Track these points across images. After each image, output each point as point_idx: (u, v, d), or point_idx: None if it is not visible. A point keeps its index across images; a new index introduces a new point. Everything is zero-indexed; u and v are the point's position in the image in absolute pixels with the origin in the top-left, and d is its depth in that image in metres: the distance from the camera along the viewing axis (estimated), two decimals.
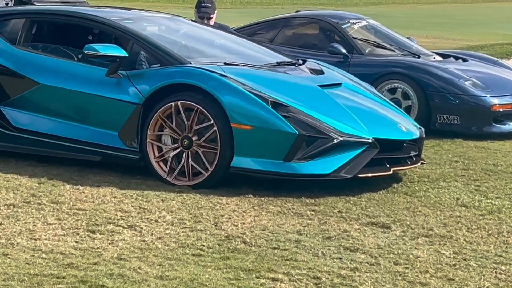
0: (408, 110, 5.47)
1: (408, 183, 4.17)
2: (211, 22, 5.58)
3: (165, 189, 3.59)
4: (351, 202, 3.52)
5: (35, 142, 4.10)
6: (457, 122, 5.38)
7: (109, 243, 2.62)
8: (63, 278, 2.07)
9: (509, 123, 5.62)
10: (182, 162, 3.64)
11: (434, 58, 6.27)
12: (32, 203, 3.20)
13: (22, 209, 3.09)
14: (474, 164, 4.97)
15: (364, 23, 6.58)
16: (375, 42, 6.42)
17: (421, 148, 4.26)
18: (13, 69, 4.22)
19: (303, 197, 3.52)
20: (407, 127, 4.09)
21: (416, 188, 4.00)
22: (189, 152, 3.62)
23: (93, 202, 3.29)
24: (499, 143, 5.69)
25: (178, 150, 3.66)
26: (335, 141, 3.56)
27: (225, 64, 4.08)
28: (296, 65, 4.59)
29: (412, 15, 29.67)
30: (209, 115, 3.57)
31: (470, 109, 5.41)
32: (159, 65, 4.06)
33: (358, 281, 2.25)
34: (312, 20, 6.61)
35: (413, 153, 4.08)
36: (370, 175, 3.71)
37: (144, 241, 2.67)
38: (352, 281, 2.25)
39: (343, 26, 6.19)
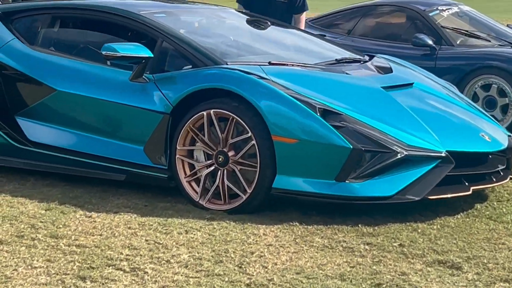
0: (504, 109, 5.13)
1: (495, 203, 3.52)
2: None
3: (195, 215, 3.13)
4: (419, 231, 2.96)
5: (52, 158, 3.70)
6: None
7: None
8: None
9: None
10: (217, 182, 3.17)
11: None
12: (26, 237, 2.75)
13: (10, 247, 2.63)
14: None
15: (455, 9, 6.07)
16: (467, 31, 5.85)
17: (510, 160, 3.60)
18: (29, 74, 3.85)
19: (359, 225, 3.00)
20: (493, 135, 3.46)
21: (504, 210, 3.37)
22: (225, 170, 3.14)
23: (100, 235, 2.83)
24: None
25: (213, 167, 3.18)
26: (399, 156, 2.99)
27: (270, 63, 3.58)
28: (361, 62, 4.05)
29: None
30: (246, 126, 3.08)
31: None
32: (190, 66, 3.56)
33: None
34: (396, 7, 6.15)
35: (500, 167, 3.46)
36: (444, 196, 3.07)
37: None
38: None
39: (430, 14, 5.74)
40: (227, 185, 3.13)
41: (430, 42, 5.44)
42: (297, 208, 3.23)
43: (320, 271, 2.43)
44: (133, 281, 2.26)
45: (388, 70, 3.92)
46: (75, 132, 3.71)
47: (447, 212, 3.23)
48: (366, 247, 2.75)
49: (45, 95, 3.76)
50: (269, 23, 4.55)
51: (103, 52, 3.40)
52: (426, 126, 3.21)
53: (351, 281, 2.34)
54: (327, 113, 3.04)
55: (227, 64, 3.45)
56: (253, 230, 2.92)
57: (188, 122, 3.21)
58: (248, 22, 4.63)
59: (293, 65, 3.69)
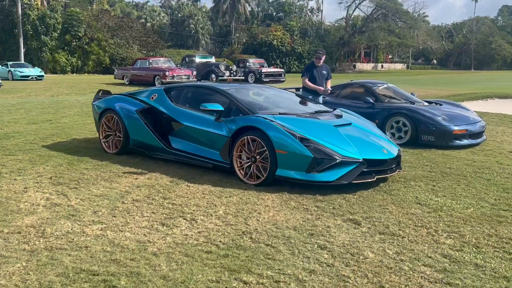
0: (405, 133, 8.99)
1: (391, 183, 5.97)
2: (321, 61, 9.24)
3: (240, 187, 5.73)
4: (346, 199, 5.24)
5: (181, 156, 6.80)
6: (433, 139, 8.74)
7: (161, 237, 4.05)
8: (86, 275, 3.31)
9: (464, 140, 8.88)
10: (251, 170, 5.82)
11: (423, 104, 10.00)
12: (149, 198, 5.19)
13: (138, 204, 4.99)
14: (437, 167, 6.97)
15: (385, 86, 10.48)
16: (390, 95, 10.18)
17: (399, 161, 6.32)
18: (172, 116, 7.07)
19: (316, 195, 5.33)
20: (389, 149, 5.98)
21: (393, 187, 5.79)
22: (255, 165, 5.76)
23: (186, 197, 5.27)
24: (456, 152, 8.35)
25: (249, 163, 5.83)
26: (337, 161, 5.40)
27: (280, 114, 6.32)
28: (327, 112, 7.00)
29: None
30: (263, 144, 5.67)
31: (440, 132, 8.70)
32: (241, 114, 6.42)
33: (307, 286, 3.23)
34: (359, 84, 10.88)
35: (393, 165, 5.99)
36: (360, 181, 5.53)
37: (186, 235, 4.11)
38: (303, 286, 3.23)
39: (373, 88, 10.14)
40: (255, 172, 5.80)
41: (371, 100, 9.55)
42: (288, 185, 5.67)
43: (285, 224, 4.44)
44: (187, 227, 4.35)
45: (339, 116, 6.76)
46: (191, 144, 6.79)
47: (365, 188, 5.64)
48: (315, 208, 4.93)
49: (179, 126, 6.99)
50: (283, 93, 8.16)
51: (200, 107, 6.39)
52: (353, 145, 5.70)
53: (299, 231, 4.26)
54: (302, 139, 5.53)
55: (257, 113, 6.29)
56: (263, 196, 5.35)
57: (238, 141, 5.99)
58: (273, 92, 8.03)
59: (291, 114, 6.46)
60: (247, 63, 31.35)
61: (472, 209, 5.05)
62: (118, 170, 6.56)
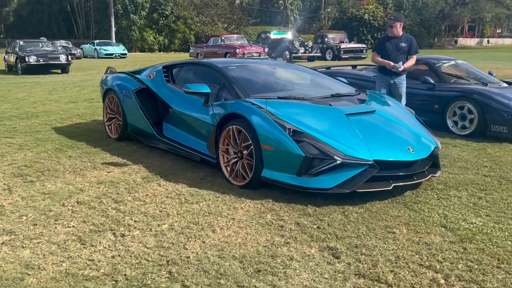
0: (471, 121, 7.21)
1: (421, 192, 4.55)
2: (394, 30, 6.94)
3: (220, 189, 4.63)
4: (345, 214, 3.95)
5: (171, 145, 5.74)
6: (506, 131, 6.89)
7: (57, 263, 3.14)
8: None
9: None
10: (237, 168, 4.66)
11: (499, 85, 7.97)
12: (97, 200, 4.32)
13: (78, 208, 4.13)
14: (498, 170, 5.41)
15: (452, 62, 8.56)
16: (458, 75, 8.20)
17: (436, 162, 4.78)
18: (164, 98, 6.03)
19: (308, 205, 4.11)
20: (419, 148, 4.51)
21: (421, 198, 4.38)
22: (241, 162, 4.59)
23: (142, 201, 4.30)
24: None
25: (236, 159, 4.66)
26: (337, 162, 4.07)
27: (278, 98, 5.00)
28: (350, 96, 5.47)
29: None
30: (248, 137, 4.48)
31: None
32: (231, 97, 5.23)
33: None
34: (422, 61, 8.36)
35: (424, 169, 4.53)
36: (369, 190, 4.14)
37: (90, 260, 3.15)
38: None
39: (437, 65, 8.20)
40: (241, 171, 4.61)
41: (431, 81, 7.77)
42: (280, 190, 4.46)
43: (236, 249, 3.32)
44: (104, 248, 3.39)
45: (363, 101, 5.27)
46: (181, 132, 5.72)
47: (380, 197, 4.26)
48: (294, 226, 3.70)
49: (170, 111, 5.97)
50: (299, 70, 6.55)
51: (183, 89, 5.27)
52: (365, 142, 4.29)
53: (244, 264, 3.11)
54: (295, 132, 4.23)
55: (247, 98, 4.98)
56: (236, 204, 4.22)
57: (224, 131, 4.79)
58: (286, 69, 6.53)
59: (294, 99, 5.08)
60: (325, 39, 29.51)
61: None
62: (102, 159, 5.78)
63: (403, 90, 7.05)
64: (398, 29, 7.00)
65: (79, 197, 4.40)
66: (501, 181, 4.96)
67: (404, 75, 7.05)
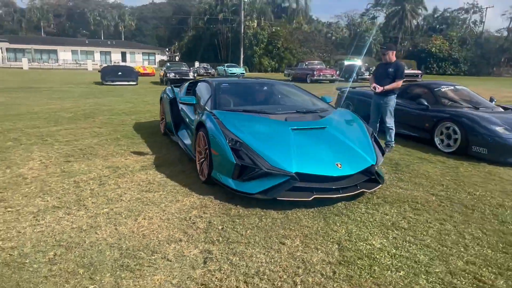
0: (456, 141, 5.53)
1: (354, 204, 3.39)
2: (387, 57, 5.57)
3: (191, 180, 3.98)
4: (265, 217, 3.03)
5: (178, 142, 5.08)
6: (485, 152, 5.19)
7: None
8: None
9: None
10: (202, 167, 3.93)
11: (492, 109, 6.09)
12: (143, 168, 3.81)
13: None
14: (452, 190, 3.84)
15: (452, 87, 6.66)
16: (454, 99, 6.37)
17: (375, 178, 3.55)
18: (180, 105, 5.44)
19: (234, 209, 3.23)
20: (351, 164, 3.42)
21: (345, 211, 3.24)
22: (205, 162, 3.80)
23: (167, 175, 3.72)
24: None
25: (203, 159, 3.91)
26: (262, 171, 3.20)
27: (243, 111, 4.15)
28: (313, 112, 4.38)
29: None
30: (205, 142, 3.78)
31: (496, 145, 5.08)
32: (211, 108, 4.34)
33: None
34: (423, 85, 6.94)
35: (354, 184, 3.39)
36: (288, 198, 3.19)
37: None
38: None
39: (435, 89, 6.49)
40: (204, 170, 3.83)
41: (424, 103, 6.17)
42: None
43: (150, 237, 2.73)
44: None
45: (320, 118, 4.17)
46: (184, 132, 5.15)
47: (309, 205, 3.25)
48: (202, 225, 2.92)
49: (181, 115, 5.33)
50: (290, 89, 5.42)
51: (178, 100, 4.56)
52: (295, 155, 3.30)
53: (147, 247, 2.55)
54: (235, 141, 3.43)
55: (212, 110, 4.16)
56: (181, 197, 3.51)
57: (196, 136, 4.11)
58: (278, 88, 5.37)
59: (253, 113, 4.12)
60: None
61: (411, 279, 2.34)
62: (134, 149, 5.35)
63: (389, 109, 5.65)
64: (391, 56, 5.61)
65: (82, 177, 4.03)
66: (443, 202, 3.59)
67: (392, 97, 5.63)
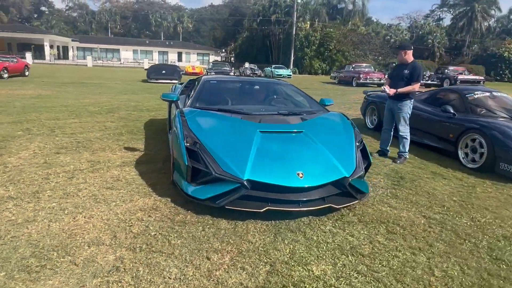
0: (481, 156, 4.75)
1: (322, 220, 2.99)
2: (399, 57, 4.94)
3: (163, 179, 3.84)
4: (212, 227, 2.75)
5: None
6: None
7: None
8: None
9: None
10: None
11: None
12: (122, 165, 3.80)
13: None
14: (450, 214, 3.34)
15: (487, 94, 5.78)
16: (488, 107, 5.50)
17: (347, 191, 3.09)
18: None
19: (183, 216, 2.97)
20: (318, 174, 2.99)
21: (307, 229, 2.81)
22: None
23: (139, 173, 3.68)
24: None
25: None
26: (212, 176, 2.92)
27: (218, 110, 3.91)
28: (295, 115, 4.00)
29: None
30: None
31: None
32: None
33: None
34: (453, 90, 6.18)
35: (321, 196, 2.97)
36: (238, 208, 2.86)
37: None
38: None
39: (467, 95, 5.67)
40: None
41: (450, 110, 5.41)
42: None
43: (75, 237, 2.58)
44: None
45: (304, 120, 3.82)
46: None
47: (223, 215, 2.89)
48: (136, 230, 2.69)
49: None
50: (275, 89, 5.01)
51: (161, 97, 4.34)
52: (254, 160, 2.96)
53: (65, 249, 2.40)
54: (194, 142, 3.18)
55: (183, 108, 3.94)
56: (137, 197, 3.34)
57: (171, 134, 3.83)
58: (266, 87, 5.01)
59: (228, 112, 3.86)
60: (446, 70, 24.43)
61: None
62: (130, 144, 5.33)
63: (403, 115, 5.02)
64: (403, 57, 4.96)
65: (57, 169, 4.05)
66: (432, 227, 3.04)
67: (406, 102, 4.98)
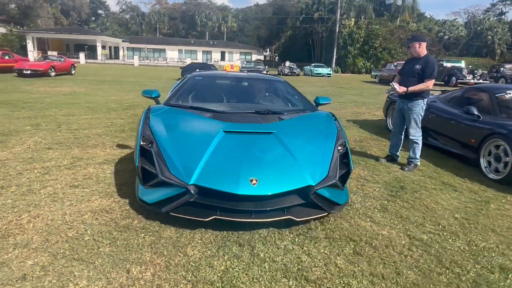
0: (505, 165, 4.10)
1: (281, 233, 2.64)
2: (412, 51, 4.33)
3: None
4: (152, 235, 2.50)
5: None
6: None
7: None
8: None
9: None
10: None
11: None
12: (103, 163, 3.78)
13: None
14: (443, 235, 2.80)
15: None
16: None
17: (310, 199, 2.67)
18: None
19: (137, 221, 2.79)
20: (276, 181, 2.60)
21: (258, 244, 2.45)
22: None
23: (115, 172, 3.62)
24: None
25: None
26: (158, 179, 2.68)
27: (191, 108, 3.65)
28: (273, 114, 3.60)
29: None
30: None
31: None
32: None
33: None
34: (482, 89, 5.36)
35: (281, 206, 2.61)
36: (182, 215, 2.61)
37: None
38: None
39: (496, 94, 4.90)
40: None
41: (474, 112, 4.70)
42: None
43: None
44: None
45: (280, 120, 3.44)
46: None
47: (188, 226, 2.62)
48: (72, 234, 2.54)
49: None
50: (264, 86, 4.63)
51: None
52: (205, 163, 2.66)
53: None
54: (149, 141, 2.96)
55: (165, 103, 3.79)
56: (94, 198, 3.20)
57: None
58: (254, 84, 4.67)
59: (197, 109, 3.59)
60: (501, 69, 22.23)
61: None
62: (124, 142, 5.27)
63: (414, 117, 4.44)
64: (417, 49, 4.36)
65: (36, 164, 4.05)
66: (412, 250, 2.57)
67: (418, 101, 4.38)
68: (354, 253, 2.47)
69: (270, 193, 2.57)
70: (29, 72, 17.19)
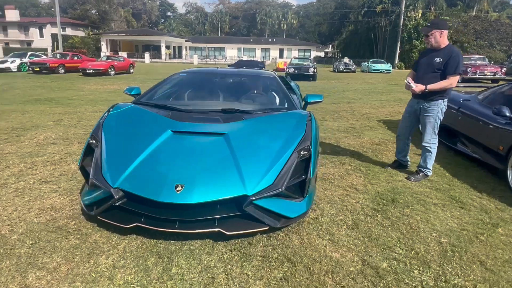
0: None
1: (223, 246, 2.39)
2: (431, 40, 3.56)
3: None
4: (97, 238, 2.38)
5: None
6: None
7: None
8: None
9: None
10: None
11: None
12: None
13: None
14: (410, 265, 2.24)
15: None
16: None
17: (244, 210, 2.36)
18: None
19: (75, 221, 2.70)
20: (200, 190, 2.33)
21: (189, 258, 2.14)
22: None
23: None
24: None
25: None
26: (90, 180, 2.59)
27: (155, 106, 3.49)
28: (240, 113, 3.32)
29: None
30: None
31: None
32: None
33: None
34: None
35: (211, 216, 2.35)
36: (106, 220, 2.47)
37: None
38: None
39: None
40: None
41: (506, 114, 3.84)
42: None
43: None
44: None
45: (237, 120, 3.13)
46: None
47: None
48: (43, 236, 2.51)
49: None
50: (252, 83, 4.33)
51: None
52: (133, 167, 2.50)
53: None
54: (96, 140, 2.87)
55: (135, 101, 3.67)
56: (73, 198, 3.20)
57: None
58: (239, 81, 4.40)
59: (163, 107, 3.43)
60: None
61: None
62: None
63: (431, 120, 3.74)
64: (438, 39, 3.57)
65: (29, 159, 4.21)
66: (354, 281, 2.11)
67: (438, 102, 3.67)
68: (282, 278, 2.11)
69: (195, 202, 2.30)
70: (91, 71, 18.69)
